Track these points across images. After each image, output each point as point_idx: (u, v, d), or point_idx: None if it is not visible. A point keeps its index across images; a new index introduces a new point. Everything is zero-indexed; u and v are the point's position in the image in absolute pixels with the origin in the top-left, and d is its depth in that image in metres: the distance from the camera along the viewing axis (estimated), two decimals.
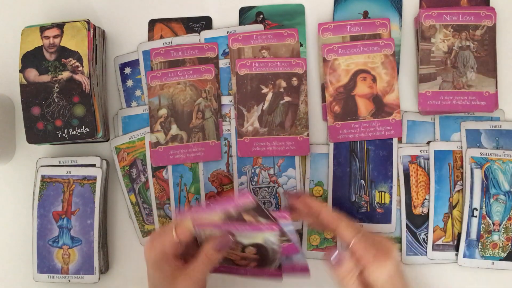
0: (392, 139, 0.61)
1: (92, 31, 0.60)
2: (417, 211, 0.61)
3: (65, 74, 0.59)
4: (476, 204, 0.60)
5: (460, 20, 0.59)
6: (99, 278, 0.62)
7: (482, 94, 0.59)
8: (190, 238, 0.53)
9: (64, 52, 0.59)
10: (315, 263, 0.62)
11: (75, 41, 0.60)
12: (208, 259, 0.52)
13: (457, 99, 0.59)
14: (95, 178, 0.62)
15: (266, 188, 0.62)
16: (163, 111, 0.62)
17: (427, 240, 0.60)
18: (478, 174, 0.60)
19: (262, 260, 0.54)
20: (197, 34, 0.64)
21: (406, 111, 0.62)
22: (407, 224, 0.61)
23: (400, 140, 0.61)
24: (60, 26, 0.60)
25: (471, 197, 0.60)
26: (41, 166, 0.63)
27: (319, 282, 0.62)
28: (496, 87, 0.59)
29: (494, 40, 0.59)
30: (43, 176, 0.63)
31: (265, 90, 0.62)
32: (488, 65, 0.59)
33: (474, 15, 0.59)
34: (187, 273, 0.52)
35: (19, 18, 0.66)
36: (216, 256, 0.52)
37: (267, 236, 0.51)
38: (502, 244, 0.60)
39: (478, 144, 0.60)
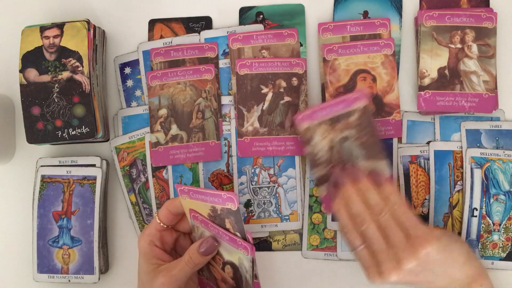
0: (392, 139, 0.61)
1: (92, 31, 0.60)
2: (417, 211, 0.61)
3: (65, 74, 0.59)
4: (476, 204, 0.60)
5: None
6: (99, 278, 0.62)
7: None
8: (172, 219, 0.54)
9: (64, 52, 0.59)
10: (315, 263, 0.62)
11: (75, 41, 0.59)
12: (190, 260, 0.52)
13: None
14: (95, 178, 0.62)
15: (266, 188, 0.62)
16: (163, 111, 0.62)
17: None
18: (478, 174, 0.60)
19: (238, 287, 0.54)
20: (197, 34, 0.64)
21: (406, 111, 0.62)
22: None
23: (400, 140, 0.61)
24: (60, 26, 0.60)
25: (471, 197, 0.60)
26: (41, 166, 0.63)
27: (319, 282, 0.62)
28: (496, 88, 0.59)
29: (369, 122, 0.56)
30: (43, 176, 0.63)
31: (265, 90, 0.62)
32: (374, 148, 0.55)
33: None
34: (167, 268, 0.52)
35: (19, 18, 0.65)
36: (199, 260, 0.52)
37: (242, 258, 0.51)
38: (502, 244, 0.60)
39: (478, 144, 0.60)
